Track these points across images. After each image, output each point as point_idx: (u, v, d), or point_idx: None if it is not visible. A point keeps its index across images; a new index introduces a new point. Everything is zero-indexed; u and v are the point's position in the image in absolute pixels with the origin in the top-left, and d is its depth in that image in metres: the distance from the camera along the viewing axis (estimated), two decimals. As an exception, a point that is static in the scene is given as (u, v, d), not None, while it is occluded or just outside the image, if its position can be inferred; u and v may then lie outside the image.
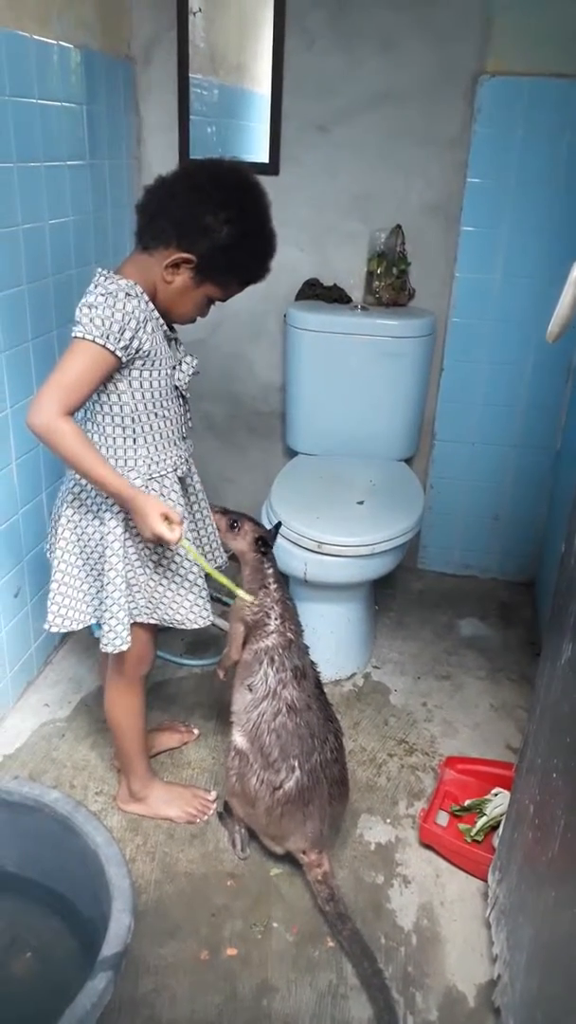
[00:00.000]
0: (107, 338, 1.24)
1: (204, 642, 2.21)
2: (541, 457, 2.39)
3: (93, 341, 1.23)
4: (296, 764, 1.42)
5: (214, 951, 1.38)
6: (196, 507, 1.52)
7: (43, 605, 1.94)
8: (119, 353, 1.26)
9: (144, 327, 1.27)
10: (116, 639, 1.41)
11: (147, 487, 1.39)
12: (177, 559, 1.44)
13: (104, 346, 1.24)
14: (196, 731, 1.86)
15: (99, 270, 1.32)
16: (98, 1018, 1.05)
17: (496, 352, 2.29)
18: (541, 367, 2.28)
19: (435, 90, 2.10)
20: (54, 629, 1.45)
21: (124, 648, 1.41)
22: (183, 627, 1.48)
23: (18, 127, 1.61)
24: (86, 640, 2.14)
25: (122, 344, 1.25)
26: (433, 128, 2.14)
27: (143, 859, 1.54)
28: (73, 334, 1.24)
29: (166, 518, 1.31)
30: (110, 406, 1.34)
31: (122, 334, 1.25)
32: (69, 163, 1.84)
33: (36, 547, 1.89)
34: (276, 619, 1.47)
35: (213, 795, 1.67)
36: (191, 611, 1.47)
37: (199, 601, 1.47)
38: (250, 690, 1.45)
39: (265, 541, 1.51)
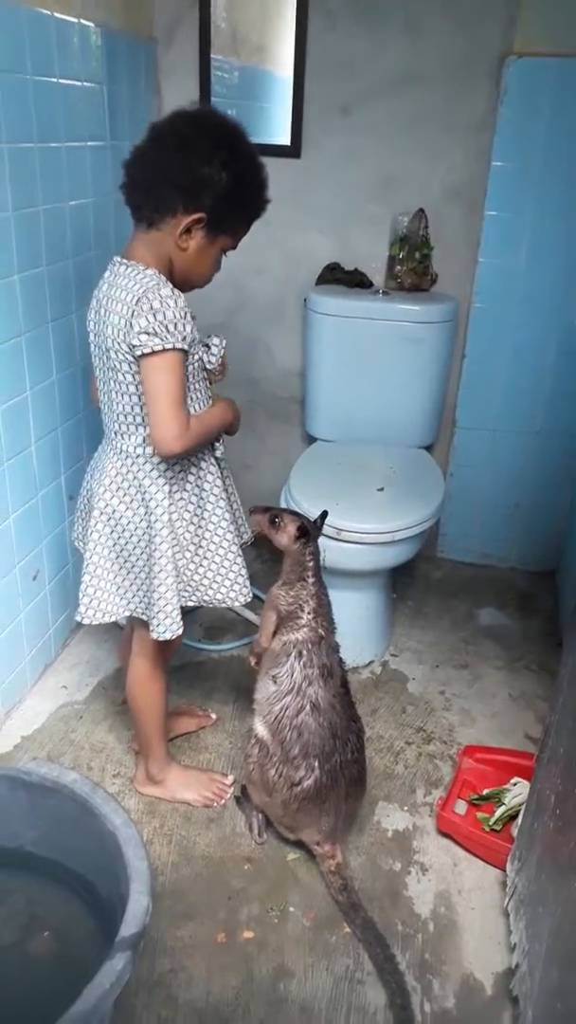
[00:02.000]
0: (183, 340, 1.24)
1: (222, 628, 2.21)
2: (564, 444, 2.36)
3: (173, 348, 1.24)
4: (316, 764, 1.41)
5: (231, 934, 1.38)
6: (228, 482, 1.51)
7: (61, 588, 1.97)
8: (188, 349, 1.27)
9: (188, 315, 1.27)
10: (172, 624, 1.41)
11: (186, 471, 1.39)
12: (216, 539, 1.44)
13: (182, 348, 1.25)
14: (214, 716, 1.86)
15: (119, 260, 1.31)
16: (116, 998, 1.06)
17: (519, 338, 2.26)
18: (565, 353, 2.25)
19: (460, 72, 2.07)
20: (86, 621, 1.45)
21: (180, 632, 1.42)
22: (224, 605, 1.49)
23: (39, 107, 1.60)
24: (103, 624, 2.14)
25: (188, 340, 1.26)
26: (457, 111, 2.11)
27: (160, 842, 1.55)
28: (151, 348, 1.23)
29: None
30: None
31: (185, 329, 1.25)
32: (90, 144, 1.83)
33: (55, 530, 1.90)
34: (309, 613, 1.45)
35: (230, 779, 1.67)
36: (232, 589, 1.48)
37: (239, 579, 1.48)
38: (274, 681, 1.44)
39: (306, 530, 1.47)
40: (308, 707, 1.41)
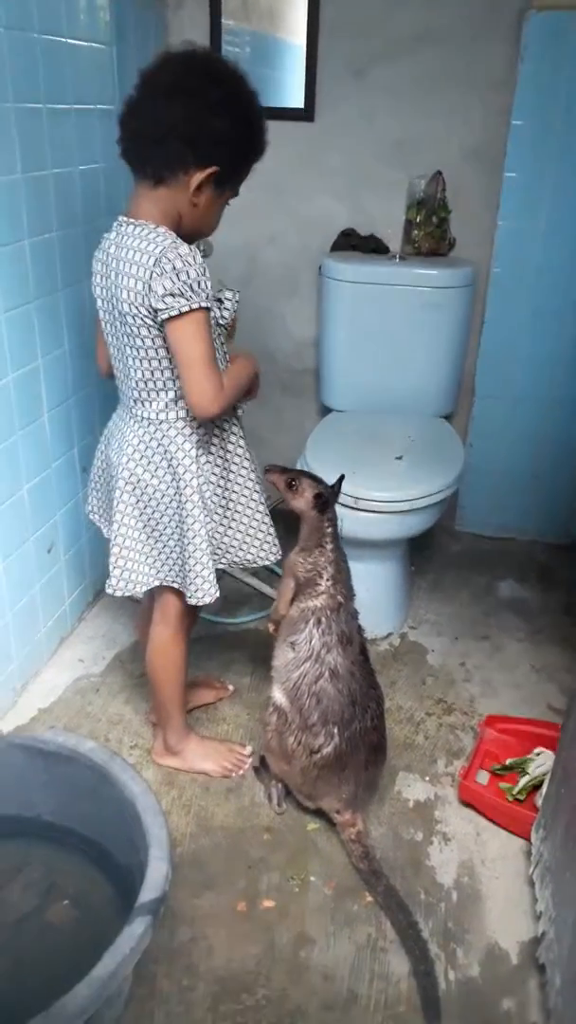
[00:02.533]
0: (207, 297, 1.21)
1: (238, 601, 2.19)
2: (585, 414, 2.31)
3: (200, 307, 1.20)
4: (336, 731, 1.39)
5: (251, 903, 1.37)
6: (247, 443, 1.47)
7: (77, 561, 1.95)
8: (212, 306, 1.24)
9: (207, 272, 1.23)
10: (211, 588, 1.40)
11: (210, 434, 1.38)
12: (243, 499, 1.43)
13: (207, 307, 1.22)
14: (231, 687, 1.85)
15: (125, 219, 1.27)
16: (136, 966, 1.04)
17: (539, 304, 2.21)
18: (586, 319, 2.20)
19: (478, 28, 2.01)
20: (118, 593, 1.43)
21: (217, 595, 1.41)
22: (254, 565, 1.49)
23: (47, 66, 1.56)
24: (119, 597, 2.12)
25: (212, 297, 1.23)
26: (475, 68, 2.05)
27: (178, 812, 1.53)
28: (179, 310, 1.19)
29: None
30: (168, 359, 1.28)
31: (207, 287, 1.22)
32: (99, 107, 1.79)
33: (69, 502, 1.88)
34: (328, 580, 1.42)
35: (249, 750, 1.65)
36: (262, 548, 1.47)
37: (268, 538, 1.47)
38: (293, 648, 1.42)
39: (324, 498, 1.43)
40: (327, 674, 1.38)
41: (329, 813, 1.46)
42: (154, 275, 1.19)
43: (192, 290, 1.19)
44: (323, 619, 1.40)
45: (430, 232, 2.16)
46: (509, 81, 2.02)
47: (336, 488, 1.48)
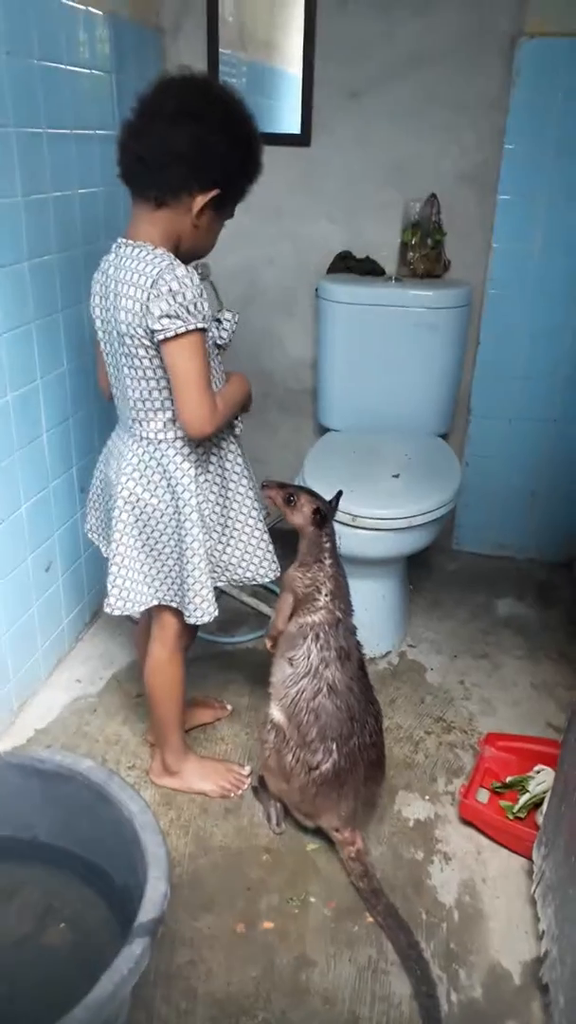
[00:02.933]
0: (204, 319, 1.22)
1: (235, 621, 2.19)
2: (581, 432, 2.32)
3: (196, 329, 1.21)
4: (334, 747, 1.39)
5: (250, 924, 1.35)
6: (246, 460, 1.48)
7: (74, 581, 1.95)
8: (208, 328, 1.25)
9: (203, 292, 1.24)
10: (210, 607, 1.40)
11: (208, 452, 1.38)
12: (242, 517, 1.43)
13: (203, 328, 1.22)
14: (230, 707, 1.84)
15: (124, 241, 1.28)
16: (134, 989, 1.03)
17: (534, 324, 2.23)
18: (581, 339, 2.22)
19: (472, 53, 2.05)
20: (116, 612, 1.43)
21: (215, 615, 1.41)
22: (253, 583, 1.48)
23: (47, 92, 1.59)
24: (117, 617, 2.12)
25: (208, 319, 1.24)
26: (469, 93, 2.09)
27: (177, 833, 1.52)
28: (175, 331, 1.20)
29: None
30: (165, 379, 1.29)
31: (204, 308, 1.22)
32: (98, 132, 1.82)
33: (67, 521, 1.88)
34: (326, 595, 1.42)
35: (247, 770, 1.64)
36: (261, 566, 1.47)
37: (267, 555, 1.47)
38: (291, 664, 1.42)
39: (323, 513, 1.44)
40: (325, 689, 1.38)
41: (328, 831, 1.45)
42: (151, 296, 1.20)
43: (188, 312, 1.20)
44: (321, 634, 1.40)
45: (425, 254, 2.19)
46: (502, 105, 2.05)
47: (334, 503, 1.49)
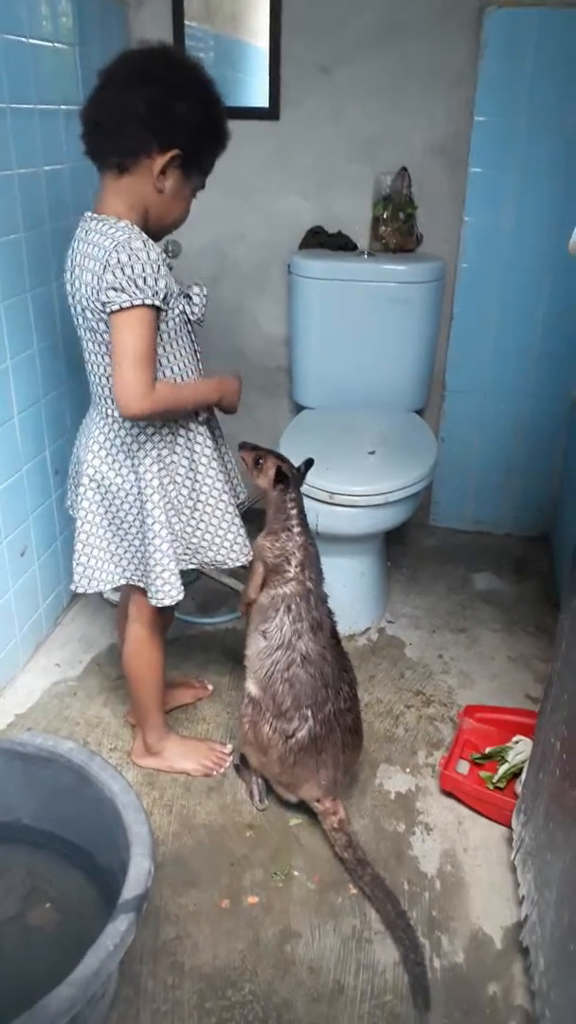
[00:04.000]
0: (154, 295, 1.19)
1: (215, 601, 2.18)
2: (555, 407, 2.33)
3: (143, 304, 1.18)
4: (309, 714, 1.39)
5: (235, 900, 1.36)
6: (220, 443, 1.47)
7: (51, 565, 1.94)
8: (160, 305, 1.22)
9: (163, 267, 1.22)
10: (172, 590, 1.39)
11: (175, 433, 1.36)
12: (212, 500, 1.41)
13: (152, 304, 1.20)
14: (210, 687, 1.84)
15: (90, 215, 1.27)
16: (120, 965, 1.03)
17: (507, 298, 2.23)
18: (554, 313, 2.22)
19: (440, 23, 2.03)
20: (80, 590, 1.42)
21: (180, 598, 1.39)
22: (224, 566, 1.46)
23: (9, 66, 1.55)
24: (96, 600, 2.12)
25: (160, 295, 1.21)
26: (438, 64, 2.07)
27: (160, 812, 1.52)
28: (119, 305, 1.18)
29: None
30: None
31: (157, 284, 1.20)
32: (63, 107, 1.78)
33: (42, 504, 1.86)
34: (296, 566, 1.42)
35: (229, 748, 1.64)
36: (232, 549, 1.45)
37: (238, 539, 1.45)
38: (264, 637, 1.42)
39: (284, 474, 1.45)
40: (299, 660, 1.39)
41: (310, 803, 1.46)
42: (104, 268, 1.19)
43: (136, 286, 1.18)
44: (293, 606, 1.41)
45: (397, 228, 2.18)
46: (471, 77, 2.04)
47: (302, 470, 1.50)
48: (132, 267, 1.17)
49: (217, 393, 1.38)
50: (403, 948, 1.25)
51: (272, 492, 1.46)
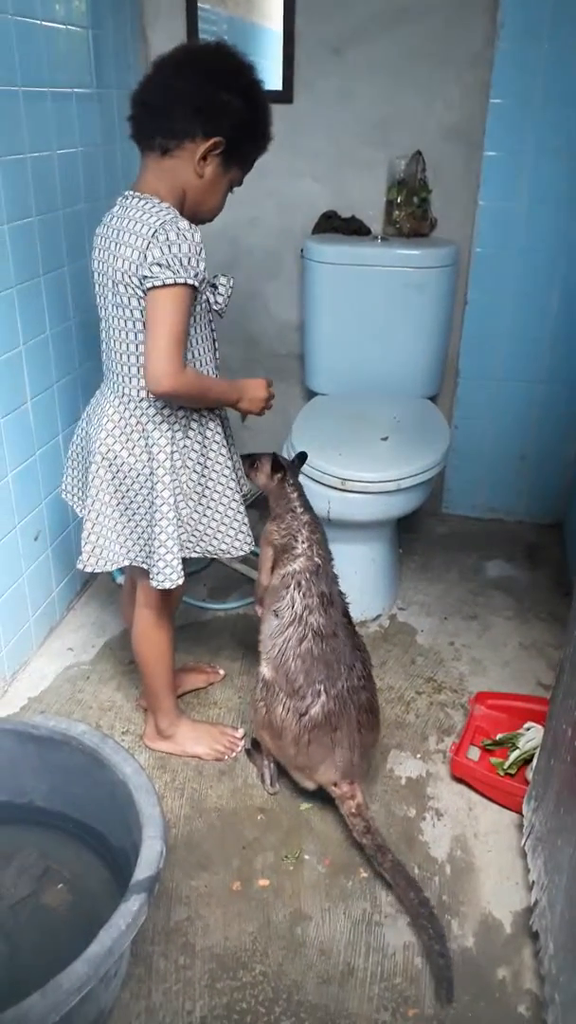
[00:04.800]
0: (195, 276, 1.21)
1: (226, 587, 2.19)
2: (570, 393, 2.32)
3: (185, 284, 1.20)
4: (322, 689, 1.39)
5: (246, 882, 1.37)
6: (228, 433, 1.47)
7: (64, 548, 1.95)
8: (199, 287, 1.23)
9: (203, 252, 1.24)
10: (172, 574, 1.39)
11: (188, 417, 1.36)
12: (220, 488, 1.42)
13: (193, 284, 1.21)
14: (222, 671, 1.85)
15: (131, 193, 1.28)
16: (132, 945, 1.05)
17: (522, 283, 2.21)
18: (569, 298, 2.20)
19: (455, 4, 2.00)
20: (88, 568, 1.42)
21: (180, 583, 1.40)
22: (227, 555, 1.47)
23: (22, 49, 1.54)
24: (109, 585, 2.13)
25: (199, 278, 1.23)
26: (453, 46, 2.04)
27: (172, 795, 1.53)
28: (163, 281, 1.19)
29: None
30: None
31: (198, 266, 1.22)
32: (76, 90, 1.78)
33: (55, 489, 1.86)
34: (304, 542, 1.45)
35: (240, 732, 1.65)
36: (235, 539, 1.45)
37: (243, 529, 1.45)
38: (276, 615, 1.43)
39: (280, 464, 1.50)
40: (310, 635, 1.40)
41: (327, 787, 1.45)
42: (150, 244, 1.20)
43: (181, 264, 1.19)
44: (303, 581, 1.42)
45: (411, 212, 2.16)
46: (487, 58, 2.01)
47: (296, 463, 1.56)
48: (180, 246, 1.19)
49: (238, 394, 1.40)
50: (426, 937, 1.24)
51: (271, 484, 1.51)
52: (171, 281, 1.19)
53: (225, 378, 1.43)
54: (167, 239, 1.19)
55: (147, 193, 1.27)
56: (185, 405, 1.34)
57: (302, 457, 1.60)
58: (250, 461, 1.56)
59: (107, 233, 1.29)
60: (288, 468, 1.52)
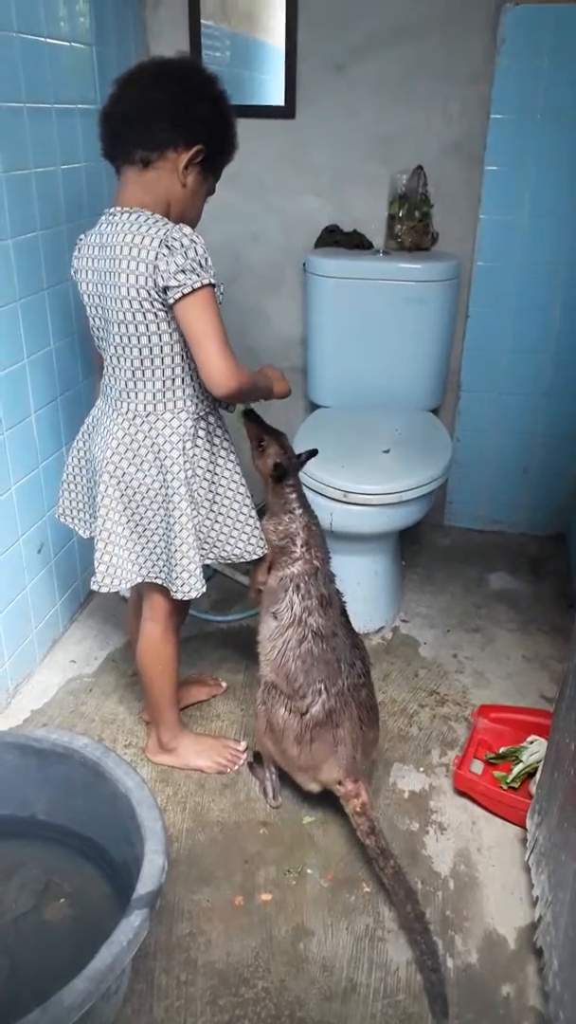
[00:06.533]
0: (214, 275, 1.23)
1: (229, 599, 2.19)
2: (572, 406, 2.32)
3: (210, 284, 1.22)
4: (322, 687, 1.39)
5: (248, 897, 1.36)
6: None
7: (67, 561, 1.95)
8: (216, 286, 1.25)
9: None
10: (197, 583, 1.39)
11: (196, 426, 1.37)
12: (230, 493, 1.43)
13: (215, 284, 1.23)
14: (224, 684, 1.84)
15: (117, 209, 1.29)
16: (134, 961, 1.04)
17: (523, 296, 2.22)
18: (571, 311, 2.21)
19: (456, 21, 2.02)
20: (104, 589, 1.42)
21: (203, 590, 1.41)
22: (242, 560, 1.46)
23: (27, 66, 1.56)
24: (111, 597, 2.12)
25: (215, 275, 1.25)
26: (454, 62, 2.06)
27: (174, 809, 1.53)
28: (191, 287, 1.19)
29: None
30: (160, 347, 1.29)
31: (212, 266, 1.23)
32: (80, 106, 1.79)
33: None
34: (301, 546, 1.45)
35: (243, 745, 1.65)
36: (248, 543, 1.45)
37: (256, 532, 1.46)
38: (275, 617, 1.43)
39: (282, 469, 1.48)
40: (310, 635, 1.40)
41: (332, 787, 1.43)
42: (160, 255, 1.20)
43: (201, 267, 1.20)
44: (302, 584, 1.42)
45: (413, 227, 2.17)
46: (487, 74, 2.03)
47: (303, 458, 1.54)
48: (195, 249, 1.20)
49: (270, 381, 1.43)
50: (419, 952, 1.24)
51: (268, 479, 1.51)
52: (199, 284, 1.20)
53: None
54: (181, 246, 1.19)
55: (133, 206, 1.27)
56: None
57: (312, 454, 1.57)
58: (260, 435, 1.52)
59: (97, 253, 1.29)
60: (289, 468, 1.49)
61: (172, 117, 1.24)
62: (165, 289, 1.21)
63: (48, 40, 1.63)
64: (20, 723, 1.72)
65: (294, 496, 1.48)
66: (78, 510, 1.52)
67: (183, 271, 1.19)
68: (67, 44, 1.72)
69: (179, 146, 1.26)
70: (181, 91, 1.25)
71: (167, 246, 1.20)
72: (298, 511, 1.47)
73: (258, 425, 1.52)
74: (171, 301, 1.21)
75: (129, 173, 1.28)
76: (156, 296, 1.23)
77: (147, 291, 1.22)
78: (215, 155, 1.31)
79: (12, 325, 1.61)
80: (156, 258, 1.20)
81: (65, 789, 1.31)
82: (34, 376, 1.71)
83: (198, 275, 1.20)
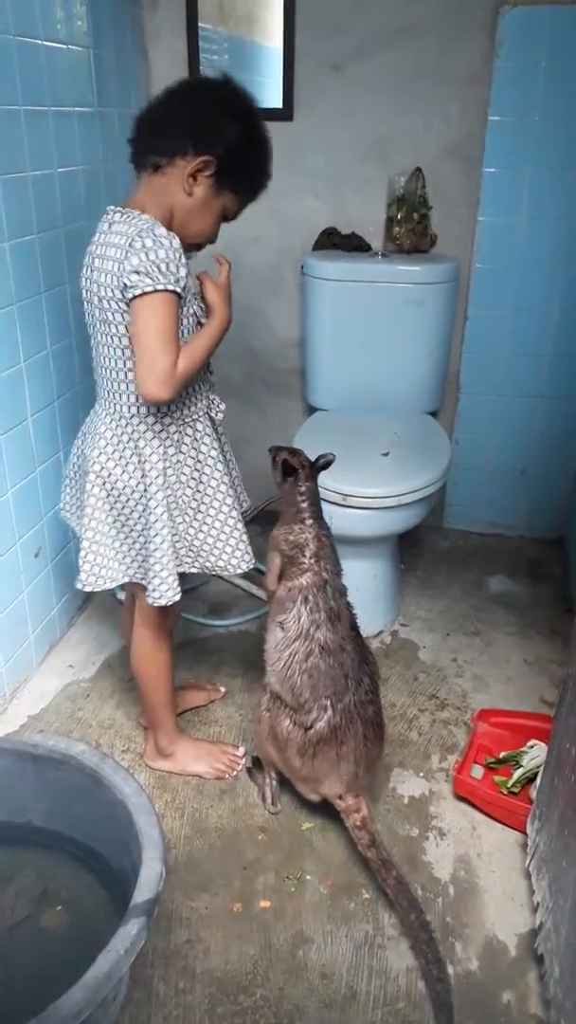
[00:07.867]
0: (176, 282, 1.20)
1: (227, 604, 2.18)
2: (571, 408, 2.31)
3: (165, 289, 1.19)
4: (328, 704, 1.38)
5: (247, 904, 1.35)
6: (226, 448, 1.48)
7: (64, 565, 1.94)
8: (181, 292, 1.22)
9: (183, 258, 1.23)
10: (168, 591, 1.38)
11: (181, 432, 1.35)
12: (216, 503, 1.41)
13: (175, 290, 1.20)
14: (223, 689, 1.83)
15: (114, 208, 1.29)
16: (131, 969, 1.03)
17: (522, 299, 2.21)
18: (569, 313, 2.20)
19: (454, 23, 2.01)
20: (87, 588, 1.42)
21: (177, 599, 1.39)
22: (226, 572, 1.45)
23: (24, 68, 1.55)
24: (109, 601, 2.12)
25: (181, 284, 1.22)
26: (452, 64, 2.05)
27: (172, 815, 1.52)
28: (142, 289, 1.18)
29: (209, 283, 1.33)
30: None
31: (178, 271, 1.21)
32: (77, 109, 1.79)
33: (56, 505, 1.85)
34: (311, 557, 1.41)
35: (242, 751, 1.64)
36: (233, 556, 1.44)
37: (240, 546, 1.44)
38: (282, 628, 1.41)
39: (291, 467, 1.45)
40: (317, 650, 1.37)
41: (332, 800, 1.43)
42: (128, 253, 1.19)
43: (159, 271, 1.18)
44: (310, 597, 1.40)
45: (411, 229, 2.16)
46: (486, 76, 2.03)
47: (318, 463, 1.50)
48: (156, 252, 1.18)
49: (217, 326, 1.32)
50: (424, 961, 1.23)
51: (283, 485, 1.48)
52: (151, 288, 1.18)
53: (211, 369, 1.42)
54: (143, 246, 1.18)
55: (133, 208, 1.27)
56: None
57: (328, 460, 1.52)
58: (273, 455, 1.51)
59: (92, 250, 1.30)
60: (301, 472, 1.46)
61: (189, 126, 1.24)
62: (125, 287, 1.20)
63: (45, 43, 1.63)
64: (17, 728, 1.71)
65: (306, 505, 1.44)
66: (75, 507, 1.51)
67: (138, 272, 1.18)
68: (64, 47, 1.71)
69: (188, 154, 1.24)
70: (208, 104, 1.25)
71: (131, 244, 1.19)
72: (309, 521, 1.44)
73: (274, 449, 1.52)
74: (126, 300, 1.21)
75: (142, 177, 1.29)
76: (122, 295, 1.22)
77: (118, 290, 1.22)
78: (232, 173, 1.28)
79: (9, 328, 1.60)
80: (124, 256, 1.19)
81: (62, 795, 1.30)
82: (31, 380, 1.70)
83: (152, 279, 1.18)
